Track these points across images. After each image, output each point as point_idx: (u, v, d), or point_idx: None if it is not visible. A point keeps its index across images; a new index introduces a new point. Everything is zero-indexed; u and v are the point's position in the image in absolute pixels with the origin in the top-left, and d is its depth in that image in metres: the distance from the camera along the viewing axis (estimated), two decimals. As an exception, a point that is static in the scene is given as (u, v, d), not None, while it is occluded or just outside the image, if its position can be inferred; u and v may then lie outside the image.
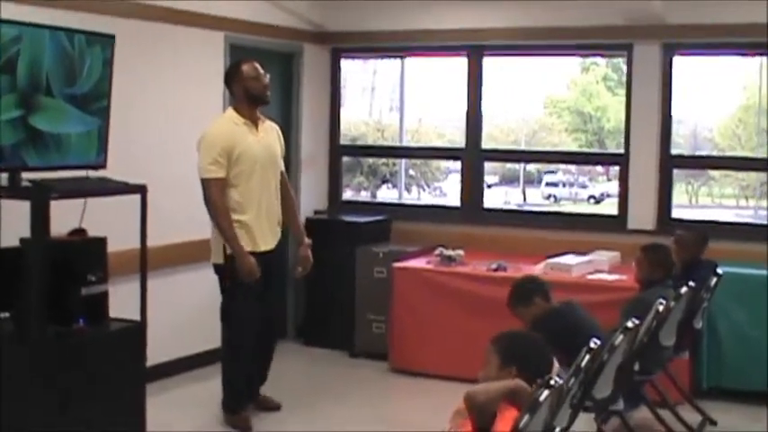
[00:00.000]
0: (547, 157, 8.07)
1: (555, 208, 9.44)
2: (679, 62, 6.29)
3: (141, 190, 4.33)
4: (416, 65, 7.47)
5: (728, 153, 7.74)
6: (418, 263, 6.18)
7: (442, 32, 6.75)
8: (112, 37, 4.39)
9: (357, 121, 8.30)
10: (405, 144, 7.57)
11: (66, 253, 4.17)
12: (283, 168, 5.19)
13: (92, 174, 4.36)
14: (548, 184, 10.43)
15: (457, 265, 6.04)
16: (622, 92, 6.59)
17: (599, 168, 9.07)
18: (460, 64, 6.90)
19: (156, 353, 4.81)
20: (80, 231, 4.31)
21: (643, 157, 6.28)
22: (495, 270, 5.88)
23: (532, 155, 8.17)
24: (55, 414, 3.93)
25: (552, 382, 2.69)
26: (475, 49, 6.78)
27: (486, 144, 7.06)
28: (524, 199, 9.97)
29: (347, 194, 7.70)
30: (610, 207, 7.02)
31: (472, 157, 6.88)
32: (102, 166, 4.42)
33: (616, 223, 6.41)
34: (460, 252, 6.14)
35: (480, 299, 5.73)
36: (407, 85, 7.43)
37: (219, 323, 5.00)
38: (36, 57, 4.00)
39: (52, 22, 4.20)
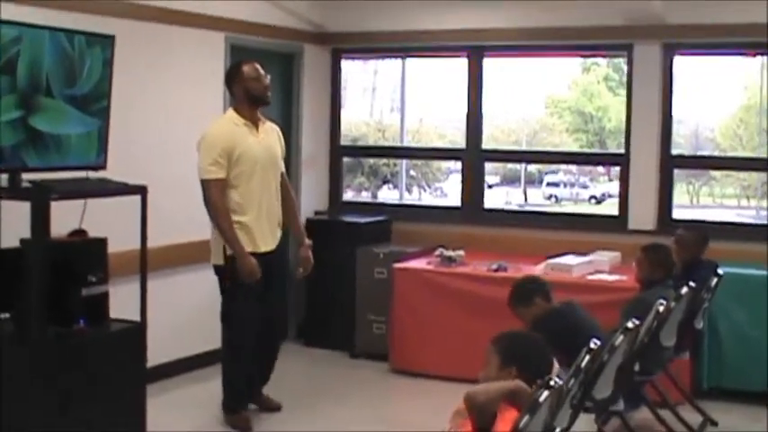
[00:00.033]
0: (547, 157, 8.06)
1: (556, 208, 9.43)
2: (679, 62, 6.28)
3: (141, 191, 4.33)
4: (417, 65, 7.47)
5: (730, 153, 7.72)
6: (419, 263, 6.18)
7: (442, 33, 6.75)
8: (112, 37, 4.39)
9: (358, 121, 8.30)
10: (405, 144, 7.57)
11: (67, 254, 4.18)
12: (284, 169, 5.18)
13: (92, 174, 4.37)
14: (549, 185, 10.42)
15: (457, 266, 6.04)
16: (623, 92, 6.58)
17: (600, 168, 9.05)
18: (461, 64, 6.90)
19: (156, 354, 4.81)
20: (80, 232, 4.31)
21: (643, 158, 6.28)
22: (496, 270, 5.88)
23: (533, 155, 8.16)
24: (55, 415, 3.94)
25: (552, 383, 2.69)
26: (475, 49, 6.78)
27: (487, 144, 7.05)
28: (525, 199, 9.95)
29: (348, 195, 7.70)
30: (611, 207, 7.01)
31: (473, 157, 6.88)
32: (103, 166, 4.42)
33: (617, 223, 6.41)
34: (461, 252, 6.13)
35: (481, 299, 5.73)
36: (408, 85, 7.43)
37: (219, 324, 5.00)
38: (36, 57, 4.00)
39: (52, 23, 4.21)
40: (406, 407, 5.67)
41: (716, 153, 7.61)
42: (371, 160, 8.16)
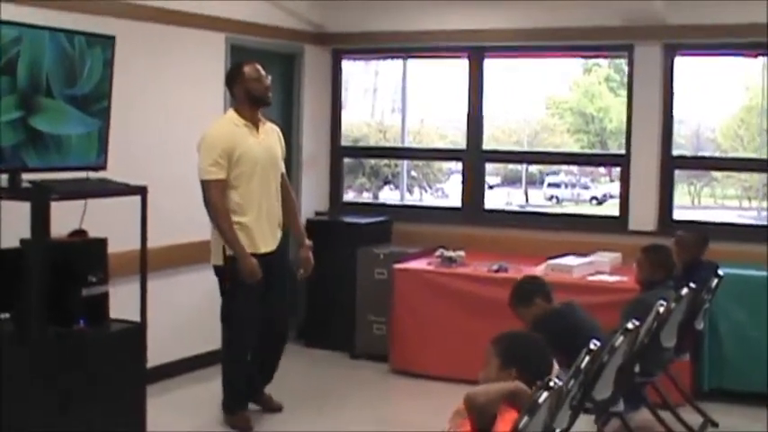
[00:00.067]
0: (547, 158, 8.06)
1: (557, 209, 9.43)
2: (680, 63, 6.28)
3: (141, 191, 4.33)
4: (419, 66, 7.47)
5: (731, 154, 7.72)
6: (419, 264, 6.17)
7: (442, 33, 6.75)
8: (113, 38, 4.39)
9: (359, 122, 8.30)
10: (407, 145, 7.57)
11: (67, 254, 4.18)
12: (284, 170, 5.18)
13: (92, 175, 4.37)
14: (550, 185, 10.42)
15: (458, 267, 6.04)
16: (625, 93, 6.57)
17: (601, 169, 9.04)
18: (462, 65, 6.90)
19: (156, 354, 4.81)
20: (80, 232, 4.31)
21: (644, 158, 6.28)
22: (496, 271, 5.87)
23: (533, 156, 8.16)
24: (55, 415, 3.94)
25: (551, 384, 2.69)
26: (475, 50, 6.78)
27: (489, 145, 7.05)
28: (526, 200, 9.95)
29: (349, 195, 7.70)
30: (612, 208, 7.01)
31: (473, 158, 6.88)
32: (103, 167, 4.42)
33: (617, 224, 6.40)
34: (461, 253, 6.13)
35: (481, 300, 5.73)
36: (409, 86, 7.43)
37: (219, 324, 5.00)
38: (36, 58, 4.00)
39: (52, 24, 4.21)
40: (406, 407, 5.67)
41: (717, 154, 7.60)
42: (373, 161, 8.17)
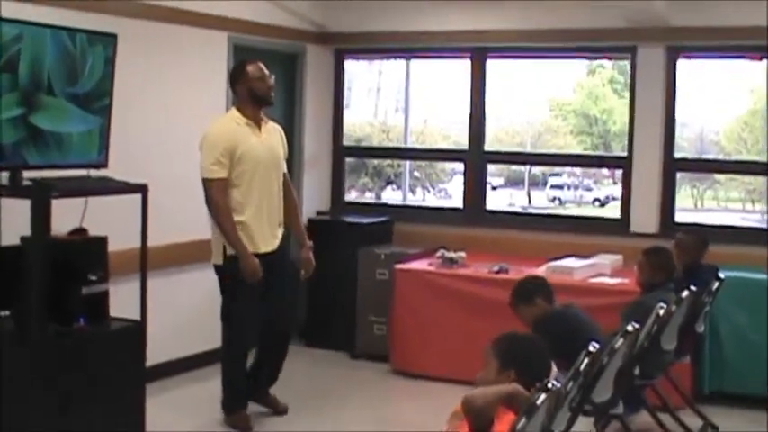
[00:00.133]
0: (549, 159, 8.06)
1: (560, 211, 9.42)
2: (684, 65, 6.27)
3: (142, 189, 4.33)
4: (422, 66, 7.47)
5: (735, 157, 7.71)
6: (420, 264, 6.17)
7: (444, 34, 6.75)
8: (114, 36, 4.40)
9: (362, 122, 8.30)
10: (409, 145, 7.56)
11: (67, 252, 4.18)
12: (286, 170, 5.18)
13: (93, 173, 4.37)
14: (552, 187, 10.41)
15: (458, 267, 6.03)
16: (628, 95, 6.56)
17: (604, 171, 9.03)
18: (465, 66, 6.89)
19: (156, 353, 4.82)
20: (81, 231, 4.32)
21: (646, 161, 6.27)
22: (497, 272, 5.87)
23: (534, 157, 8.16)
24: (55, 413, 3.94)
25: (550, 386, 2.68)
26: (478, 51, 6.77)
27: (492, 146, 7.04)
28: (529, 201, 9.95)
29: (352, 195, 7.70)
30: (615, 210, 7.00)
31: (475, 159, 6.87)
32: (104, 165, 4.43)
33: (619, 226, 6.40)
34: (462, 254, 6.13)
35: (482, 301, 5.73)
36: (413, 86, 7.42)
37: (219, 323, 4.99)
38: (37, 56, 4.01)
39: (54, 21, 4.21)
40: (406, 408, 5.67)
41: (720, 156, 7.59)
42: (375, 161, 8.16)
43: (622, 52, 6.52)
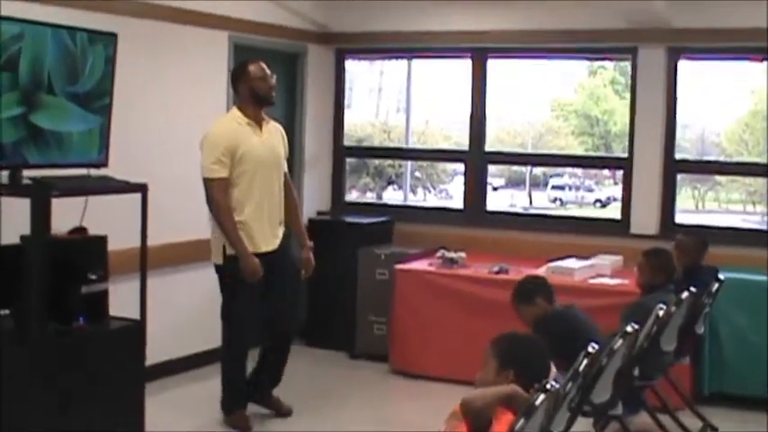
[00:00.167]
0: (550, 160, 8.06)
1: (560, 211, 9.44)
2: (685, 66, 6.26)
3: (142, 189, 4.34)
4: (423, 66, 7.47)
5: (736, 158, 7.71)
6: (420, 265, 6.17)
7: (445, 34, 6.74)
8: (114, 35, 4.40)
9: (364, 122, 8.31)
10: (410, 146, 7.57)
11: (67, 251, 4.19)
12: (287, 170, 5.17)
13: (93, 172, 4.37)
14: (554, 188, 10.43)
15: (459, 268, 6.03)
16: (629, 95, 6.56)
17: (606, 172, 9.05)
18: (466, 66, 6.89)
19: (155, 352, 4.82)
20: (81, 230, 4.32)
21: (647, 162, 6.26)
22: (497, 273, 5.87)
23: (535, 158, 8.16)
24: (54, 412, 3.94)
25: (548, 387, 2.68)
26: (478, 51, 6.77)
27: (493, 147, 7.04)
28: (530, 202, 9.97)
29: (353, 195, 7.70)
30: (615, 211, 7.01)
31: (475, 159, 6.86)
32: (104, 164, 4.43)
33: (619, 227, 6.39)
34: (462, 254, 6.13)
35: (482, 301, 5.72)
36: (414, 86, 7.43)
37: (219, 323, 4.99)
38: (38, 54, 4.01)
39: (54, 20, 4.21)
40: (405, 408, 5.67)
41: (722, 158, 7.60)
42: (377, 161, 8.17)
43: (623, 53, 6.51)
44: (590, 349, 3.36)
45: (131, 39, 4.85)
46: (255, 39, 6.30)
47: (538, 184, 10.28)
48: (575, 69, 7.97)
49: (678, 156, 6.35)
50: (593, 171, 9.40)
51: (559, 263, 5.87)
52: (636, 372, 4.21)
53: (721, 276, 5.10)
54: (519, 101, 7.87)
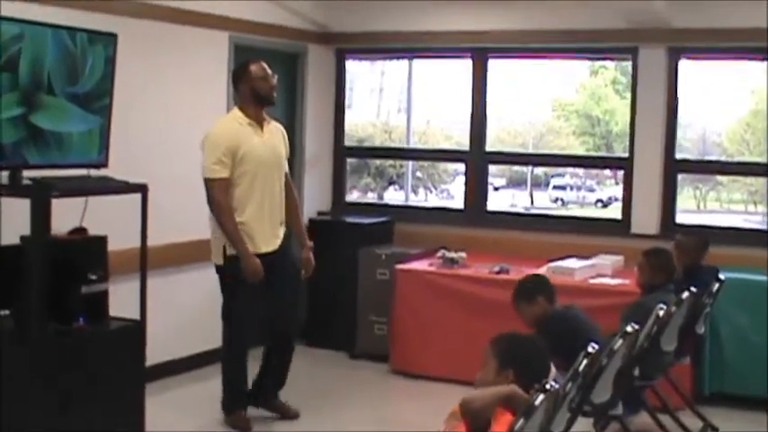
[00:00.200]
0: (550, 160, 8.06)
1: (562, 211, 9.44)
2: (686, 66, 6.26)
3: (142, 189, 4.34)
4: (424, 66, 7.47)
5: (737, 158, 7.71)
6: (421, 265, 6.16)
7: (445, 34, 6.74)
8: (114, 36, 4.40)
9: (365, 122, 8.31)
10: (411, 146, 7.56)
11: (67, 251, 4.19)
12: (288, 170, 5.17)
13: (93, 172, 4.37)
14: (555, 188, 10.43)
15: (459, 268, 6.03)
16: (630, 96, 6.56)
17: (607, 172, 9.05)
18: (468, 66, 6.89)
19: (155, 352, 4.82)
20: (81, 230, 4.32)
21: (647, 162, 6.26)
22: (498, 273, 5.87)
23: (536, 158, 8.16)
24: (54, 412, 3.94)
25: (548, 387, 2.68)
26: (479, 51, 6.76)
27: (495, 146, 7.04)
28: (531, 202, 9.97)
29: (354, 195, 7.70)
30: (616, 211, 7.01)
31: (476, 159, 6.86)
32: (104, 164, 4.43)
33: (619, 227, 6.39)
34: (463, 254, 6.13)
35: (482, 301, 5.72)
36: (415, 86, 7.43)
37: (219, 323, 4.99)
38: (38, 55, 4.01)
39: (54, 21, 4.21)
40: (405, 408, 5.67)
41: (723, 158, 7.59)
42: (378, 161, 8.17)
43: (624, 53, 6.51)
44: (590, 349, 3.36)
45: (131, 39, 4.85)
46: (255, 39, 6.30)
47: (539, 183, 10.28)
48: (576, 69, 7.97)
49: (679, 156, 6.35)
50: (594, 171, 9.39)
51: (560, 263, 5.87)
52: (636, 372, 4.21)
53: (722, 276, 5.10)
54: (520, 101, 7.87)
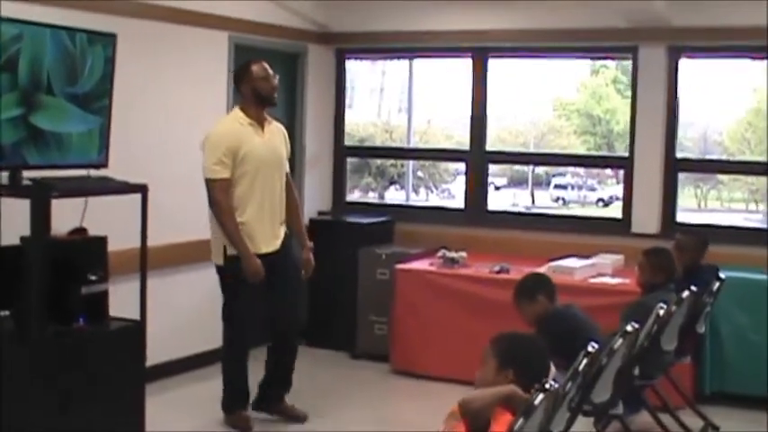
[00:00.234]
0: (551, 159, 8.05)
1: (563, 211, 9.42)
2: (686, 65, 6.26)
3: (142, 189, 4.33)
4: (425, 66, 7.46)
5: (738, 157, 7.70)
6: (421, 264, 6.16)
7: (445, 34, 6.74)
8: (114, 36, 4.40)
9: (366, 122, 8.30)
10: (412, 145, 7.56)
11: (67, 252, 4.19)
12: (288, 170, 5.17)
13: (93, 173, 4.37)
14: (556, 187, 10.41)
15: (459, 267, 6.03)
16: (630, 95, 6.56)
17: (608, 171, 9.04)
18: (468, 65, 6.88)
19: (155, 353, 4.82)
20: (81, 230, 4.32)
21: (648, 161, 6.26)
22: (498, 272, 5.86)
23: (537, 157, 8.15)
24: (54, 412, 3.94)
25: (548, 387, 2.67)
26: (479, 50, 6.76)
27: (495, 146, 7.03)
28: (533, 201, 9.95)
29: (355, 195, 7.69)
30: (617, 210, 7.00)
31: (476, 159, 6.86)
32: (104, 165, 4.43)
33: (620, 226, 6.39)
34: (463, 254, 6.12)
35: (483, 301, 5.72)
36: (416, 86, 7.42)
37: (219, 323, 4.99)
38: (37, 55, 4.01)
39: (53, 21, 4.21)
40: (406, 408, 5.67)
41: (724, 157, 7.58)
42: (379, 161, 8.16)
43: (624, 52, 6.51)
44: (590, 348, 3.36)
45: (131, 39, 4.85)
46: (255, 39, 6.30)
47: (540, 183, 10.26)
48: (577, 68, 7.96)
49: (680, 155, 6.35)
50: (595, 170, 9.38)
51: (560, 262, 5.87)
52: (636, 371, 4.21)
53: (722, 275, 5.10)
54: (521, 100, 7.86)
